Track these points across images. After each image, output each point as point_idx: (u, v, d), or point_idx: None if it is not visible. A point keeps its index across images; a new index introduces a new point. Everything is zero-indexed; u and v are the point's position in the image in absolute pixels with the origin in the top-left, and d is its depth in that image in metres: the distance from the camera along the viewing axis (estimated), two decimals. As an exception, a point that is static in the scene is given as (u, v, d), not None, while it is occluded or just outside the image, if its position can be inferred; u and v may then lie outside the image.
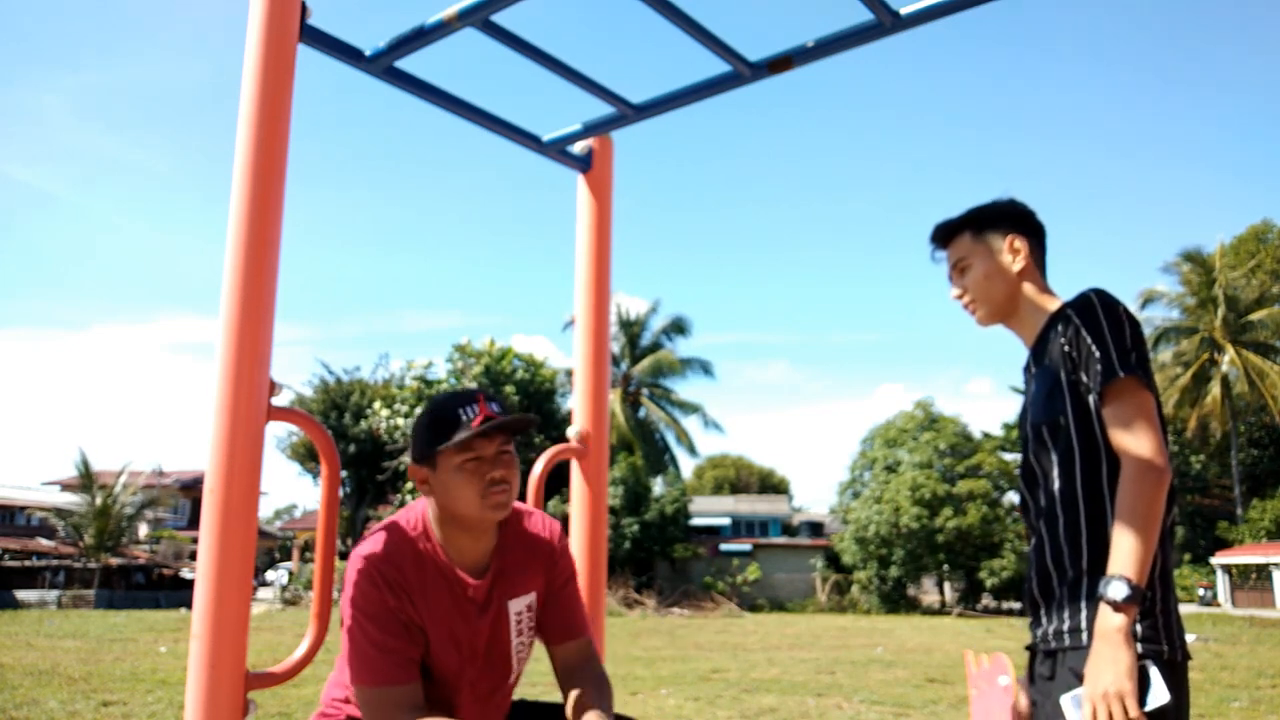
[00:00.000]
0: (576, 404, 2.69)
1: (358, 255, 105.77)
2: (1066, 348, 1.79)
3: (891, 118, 79.60)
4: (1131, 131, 72.47)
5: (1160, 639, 1.65)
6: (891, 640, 17.25)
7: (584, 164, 2.74)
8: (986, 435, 35.01)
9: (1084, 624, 1.68)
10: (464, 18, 2.06)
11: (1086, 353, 1.74)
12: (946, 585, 32.59)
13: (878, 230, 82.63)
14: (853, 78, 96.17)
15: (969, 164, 77.09)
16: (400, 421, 30.73)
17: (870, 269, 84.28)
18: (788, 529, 41.88)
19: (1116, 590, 1.58)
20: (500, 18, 2.12)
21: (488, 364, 30.43)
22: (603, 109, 2.58)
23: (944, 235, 2.09)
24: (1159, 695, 1.57)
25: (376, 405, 32.22)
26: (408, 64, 2.25)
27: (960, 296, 2.07)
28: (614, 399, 34.71)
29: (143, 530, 35.27)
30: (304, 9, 1.96)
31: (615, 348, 37.47)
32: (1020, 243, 2.00)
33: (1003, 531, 29.73)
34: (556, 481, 22.17)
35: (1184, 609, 30.21)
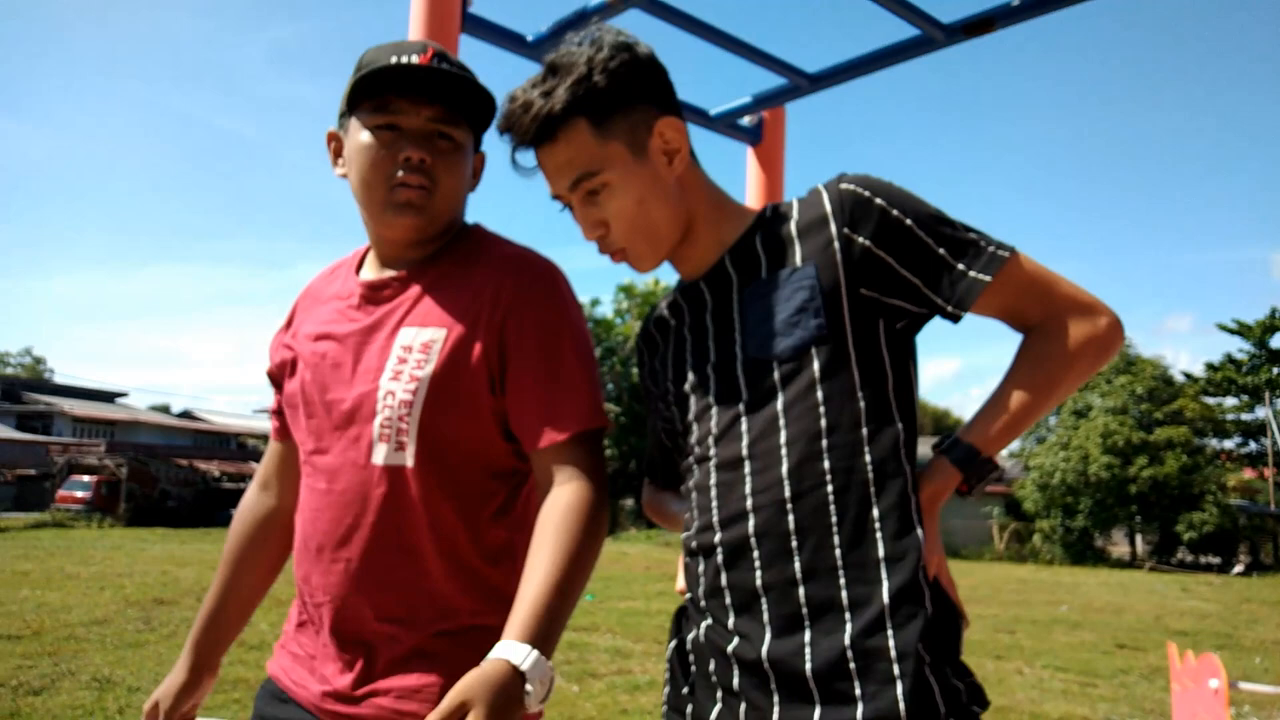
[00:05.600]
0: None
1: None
2: (859, 246, 1.14)
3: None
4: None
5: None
6: (1077, 596, 16.41)
7: (754, 137, 2.60)
8: (1189, 378, 32.42)
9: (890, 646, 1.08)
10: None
11: (923, 246, 1.14)
12: (1138, 538, 30.66)
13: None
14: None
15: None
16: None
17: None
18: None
19: (958, 450, 1.17)
20: (665, -5, 2.00)
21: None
22: (771, 81, 2.42)
23: (540, 131, 1.17)
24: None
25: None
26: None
27: (601, 237, 1.23)
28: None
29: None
30: None
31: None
32: (672, 129, 1.20)
33: (1204, 483, 27.55)
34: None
35: None
